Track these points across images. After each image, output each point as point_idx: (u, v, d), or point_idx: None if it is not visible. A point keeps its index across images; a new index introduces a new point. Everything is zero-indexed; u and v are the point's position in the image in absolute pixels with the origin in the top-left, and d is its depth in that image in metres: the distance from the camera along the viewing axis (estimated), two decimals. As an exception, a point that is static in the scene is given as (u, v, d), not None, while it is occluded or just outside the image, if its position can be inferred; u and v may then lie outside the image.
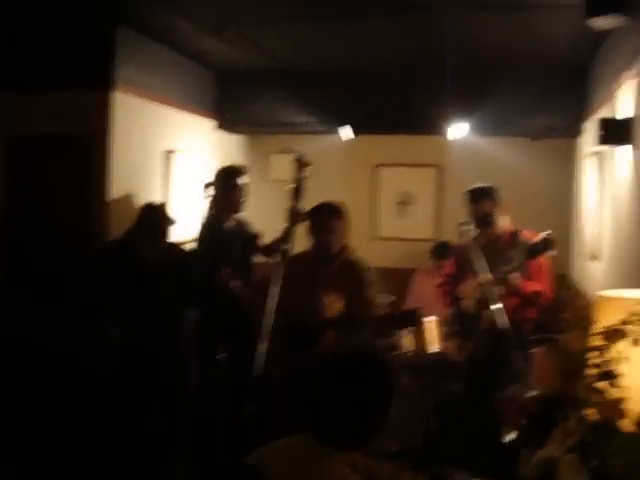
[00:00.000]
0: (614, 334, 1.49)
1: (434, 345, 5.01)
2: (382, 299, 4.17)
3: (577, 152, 5.85)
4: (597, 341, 1.53)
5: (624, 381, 1.49)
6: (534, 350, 3.28)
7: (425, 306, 5.65)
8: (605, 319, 1.69)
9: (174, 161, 5.28)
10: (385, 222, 6.66)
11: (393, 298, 5.49)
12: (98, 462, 3.90)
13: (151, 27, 4.64)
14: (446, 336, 4.54)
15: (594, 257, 4.58)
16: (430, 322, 5.11)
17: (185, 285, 4.36)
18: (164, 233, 4.25)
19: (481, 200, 4.15)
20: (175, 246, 4.55)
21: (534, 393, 2.34)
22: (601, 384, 1.46)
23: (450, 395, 4.61)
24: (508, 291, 3.86)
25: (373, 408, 1.93)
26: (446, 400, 4.66)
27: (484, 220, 4.10)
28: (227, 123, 6.08)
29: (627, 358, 1.50)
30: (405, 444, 4.23)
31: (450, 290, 4.42)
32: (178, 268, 4.33)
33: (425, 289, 5.60)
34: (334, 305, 3.69)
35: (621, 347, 1.52)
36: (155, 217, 4.22)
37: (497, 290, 3.71)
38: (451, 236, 4.95)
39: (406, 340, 5.08)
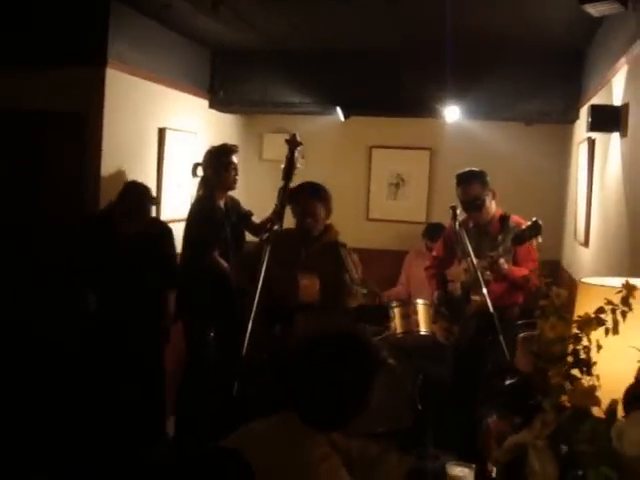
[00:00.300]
0: (589, 322, 1.52)
1: (424, 327, 5.04)
2: (363, 287, 4.17)
3: (572, 138, 5.85)
4: (573, 329, 1.55)
5: (597, 369, 1.52)
6: (520, 335, 3.31)
7: (417, 287, 5.71)
8: (585, 306, 1.72)
9: (167, 139, 5.27)
10: (378, 204, 6.68)
11: (377, 289, 5.52)
12: (75, 444, 3.95)
13: (145, 4, 4.61)
14: (434, 319, 4.56)
15: (583, 244, 4.62)
16: (421, 304, 5.14)
17: (167, 261, 4.41)
18: (145, 211, 4.28)
19: (470, 184, 4.16)
20: (158, 222, 4.58)
21: (513, 380, 2.37)
22: (575, 372, 1.49)
23: (438, 378, 4.65)
24: (496, 276, 3.89)
25: (354, 388, 1.94)
26: (434, 383, 4.71)
27: (473, 204, 4.12)
28: (221, 102, 6.06)
29: (601, 346, 1.53)
30: (393, 426, 4.27)
31: (438, 273, 4.44)
32: (160, 244, 4.38)
33: (417, 271, 5.62)
34: (310, 288, 3.71)
35: (596, 335, 1.55)
36: (137, 195, 4.24)
37: (485, 274, 3.73)
38: (444, 219, 4.98)
39: (396, 321, 5.12)
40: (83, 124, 4.51)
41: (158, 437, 4.44)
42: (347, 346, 1.99)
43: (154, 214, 4.70)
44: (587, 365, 1.49)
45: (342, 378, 1.94)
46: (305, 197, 3.82)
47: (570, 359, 1.48)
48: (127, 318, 4.18)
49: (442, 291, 4.33)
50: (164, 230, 4.54)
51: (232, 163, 4.65)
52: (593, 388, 1.46)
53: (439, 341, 4.52)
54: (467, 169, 4.25)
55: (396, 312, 5.15)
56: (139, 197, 4.24)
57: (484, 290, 3.63)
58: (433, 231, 5.61)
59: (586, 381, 1.49)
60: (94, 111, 4.50)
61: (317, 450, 1.91)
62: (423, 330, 5.01)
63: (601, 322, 1.56)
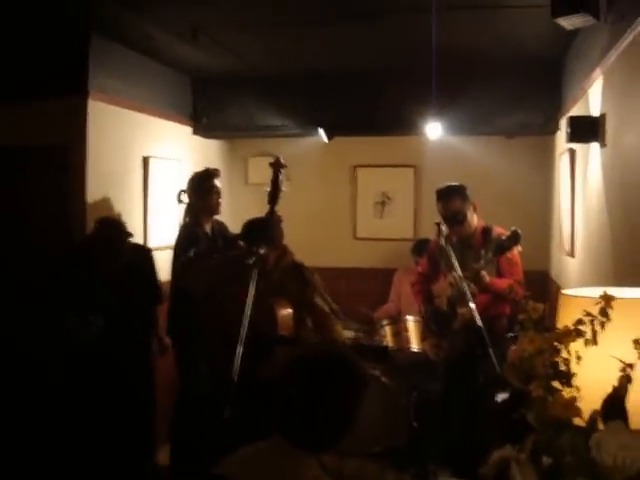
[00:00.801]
0: (568, 334, 1.53)
1: (415, 344, 5.06)
2: (341, 319, 4.17)
3: (554, 149, 5.90)
4: (552, 341, 1.57)
5: (577, 380, 1.54)
6: (510, 347, 3.32)
7: (407, 304, 5.72)
8: (566, 318, 1.73)
9: (151, 167, 5.30)
10: (364, 222, 6.70)
11: (366, 310, 5.51)
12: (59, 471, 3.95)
13: (124, 34, 4.65)
14: (423, 335, 4.58)
15: (569, 254, 4.65)
16: (411, 321, 5.15)
17: (147, 278, 4.47)
18: (122, 248, 4.29)
19: (449, 199, 4.20)
20: (136, 248, 4.58)
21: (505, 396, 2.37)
22: (555, 383, 1.51)
23: (432, 394, 4.65)
24: (480, 288, 3.91)
25: (340, 407, 1.95)
26: (428, 399, 4.71)
27: (454, 218, 4.15)
28: (204, 128, 6.10)
29: (580, 358, 1.55)
30: (388, 444, 4.27)
31: (424, 289, 4.47)
32: (141, 268, 4.43)
33: (406, 287, 5.63)
34: (287, 319, 3.67)
35: (575, 347, 1.57)
36: (111, 232, 4.26)
37: (469, 288, 3.75)
38: (431, 234, 4.95)
39: (387, 339, 5.12)
40: (66, 156, 4.52)
41: (148, 465, 4.42)
42: (331, 364, 1.99)
43: (140, 237, 4.74)
44: (567, 377, 1.50)
45: (327, 396, 1.94)
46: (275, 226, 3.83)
47: (550, 371, 1.50)
48: (114, 349, 4.20)
49: (429, 307, 4.34)
50: (143, 253, 4.60)
51: (214, 187, 4.67)
52: (573, 399, 1.47)
53: (429, 357, 4.51)
54: (446, 184, 4.29)
55: (387, 330, 5.18)
56: (113, 235, 4.26)
57: (471, 304, 3.64)
58: (421, 247, 5.62)
59: (566, 393, 1.50)
60: (77, 142, 4.51)
61: (307, 473, 1.91)
62: (415, 347, 5.04)
63: (580, 333, 1.57)
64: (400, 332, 5.12)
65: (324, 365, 2.00)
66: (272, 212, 3.75)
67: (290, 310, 3.71)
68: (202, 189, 4.64)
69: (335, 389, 1.96)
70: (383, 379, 4.50)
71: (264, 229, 3.65)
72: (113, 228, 4.29)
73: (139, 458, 4.34)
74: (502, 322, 4.07)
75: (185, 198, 4.78)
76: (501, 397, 2.94)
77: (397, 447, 4.31)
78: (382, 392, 4.44)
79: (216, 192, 4.68)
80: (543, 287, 5.84)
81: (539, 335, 1.51)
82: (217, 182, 4.70)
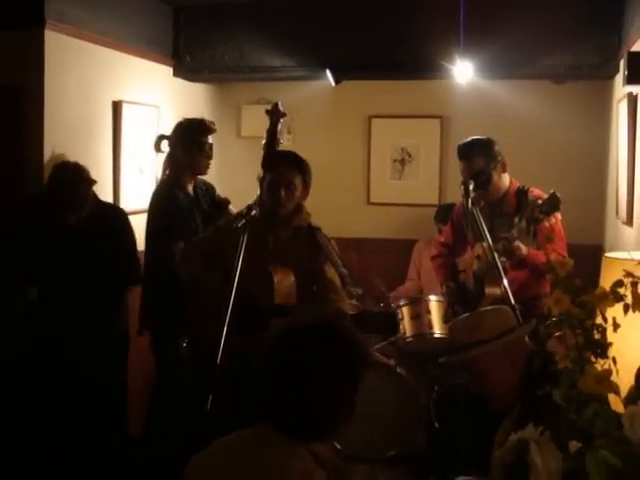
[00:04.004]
0: (604, 297, 1.54)
1: (439, 329, 5.05)
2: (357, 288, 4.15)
3: (611, 97, 5.86)
4: (587, 305, 1.58)
5: (613, 351, 1.55)
6: (553, 335, 3.32)
7: (429, 282, 5.73)
8: (608, 283, 1.74)
9: (123, 114, 5.29)
10: (380, 185, 6.69)
11: (383, 288, 5.52)
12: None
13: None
14: (444, 318, 4.58)
15: (626, 222, 4.63)
16: (434, 301, 5.15)
17: (122, 252, 4.49)
18: (81, 197, 4.30)
19: (471, 157, 4.22)
20: (108, 206, 4.62)
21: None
22: (587, 354, 1.52)
23: (455, 389, 4.67)
24: (513, 261, 3.91)
25: (331, 385, 1.98)
26: (452, 395, 4.73)
27: (477, 179, 4.13)
28: (188, 69, 6.05)
29: (618, 325, 1.56)
30: (405, 448, 4.29)
31: (446, 262, 4.51)
32: (112, 232, 4.45)
33: (428, 262, 5.61)
34: (285, 286, 3.68)
35: (613, 312, 1.58)
36: (67, 179, 4.27)
37: (501, 261, 3.72)
38: (458, 199, 5.00)
39: (405, 323, 5.13)
40: (20, 99, 4.51)
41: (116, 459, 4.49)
42: (325, 337, 2.01)
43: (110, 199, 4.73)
44: (601, 347, 1.52)
45: (318, 375, 1.96)
46: (281, 165, 3.82)
47: (582, 340, 1.51)
48: (71, 325, 4.23)
49: (453, 283, 4.33)
50: (116, 214, 4.62)
51: (208, 144, 4.66)
52: (608, 372, 1.49)
53: None
54: (469, 139, 4.31)
55: (405, 312, 5.13)
56: (70, 181, 4.26)
57: (504, 281, 3.63)
58: (447, 214, 5.58)
59: (600, 365, 1.51)
60: (33, 83, 4.51)
61: (299, 464, 1.94)
62: (438, 332, 5.02)
63: (619, 297, 1.58)
64: (420, 314, 5.05)
65: (316, 339, 2.02)
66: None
67: (292, 278, 3.73)
68: (192, 143, 4.63)
69: (328, 367, 1.98)
70: (399, 370, 4.50)
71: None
72: (71, 173, 4.29)
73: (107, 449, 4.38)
74: (542, 304, 4.06)
75: (166, 147, 4.77)
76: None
77: (415, 451, 4.33)
78: (398, 386, 4.43)
79: (209, 151, 4.68)
80: (596, 264, 5.82)
81: (567, 295, 1.52)
82: (211, 139, 4.70)
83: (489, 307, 3.30)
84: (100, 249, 4.37)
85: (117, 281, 4.48)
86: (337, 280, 3.76)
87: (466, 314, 3.23)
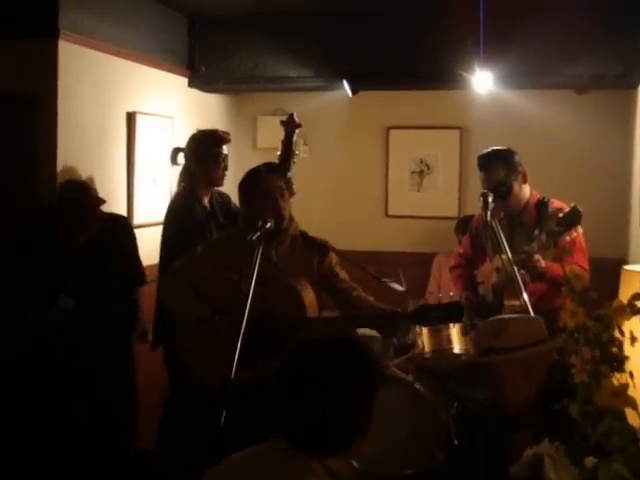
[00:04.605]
0: (621, 310, 1.55)
1: (459, 344, 5.05)
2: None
3: (635, 107, 5.82)
4: (604, 318, 1.59)
5: (630, 365, 1.56)
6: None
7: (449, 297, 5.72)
8: (627, 295, 1.74)
9: (137, 125, 5.33)
10: (399, 197, 6.71)
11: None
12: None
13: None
14: (463, 330, 4.58)
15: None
16: (454, 316, 5.15)
17: (127, 257, 4.57)
18: (91, 218, 4.34)
19: (491, 168, 4.22)
20: (109, 218, 4.61)
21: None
22: (604, 369, 1.53)
23: (475, 405, 4.65)
24: (533, 275, 3.90)
25: (346, 401, 1.99)
26: (472, 411, 4.70)
27: (498, 190, 4.15)
28: (203, 79, 6.10)
29: (635, 339, 1.57)
30: (423, 466, 4.28)
31: (465, 273, 4.51)
32: (118, 243, 4.52)
33: (448, 276, 5.63)
34: (313, 303, 3.64)
35: (630, 325, 1.59)
36: (74, 199, 4.29)
37: (520, 274, 3.72)
38: (478, 211, 5.00)
39: (424, 338, 5.12)
40: (33, 108, 4.55)
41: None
42: (338, 351, 2.04)
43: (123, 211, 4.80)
44: (618, 360, 1.52)
45: (332, 388, 1.97)
46: (263, 176, 3.79)
47: (598, 353, 1.52)
48: (85, 338, 4.30)
49: (471, 295, 4.35)
50: (119, 224, 4.68)
51: (222, 154, 4.70)
52: (625, 387, 1.50)
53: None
54: (488, 150, 4.32)
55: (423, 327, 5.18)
56: (80, 201, 4.29)
57: (524, 295, 3.62)
58: (467, 226, 5.62)
59: (617, 379, 1.52)
60: (46, 92, 4.55)
61: (310, 479, 1.95)
62: (457, 348, 5.03)
63: (636, 310, 1.59)
64: (439, 329, 5.10)
65: (334, 354, 2.05)
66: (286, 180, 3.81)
67: (311, 290, 3.73)
68: (206, 154, 4.67)
69: (346, 383, 2.00)
70: (417, 386, 4.50)
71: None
72: (80, 193, 4.33)
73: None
74: (561, 316, 4.05)
75: (181, 159, 4.81)
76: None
77: (434, 470, 4.32)
78: (416, 402, 4.42)
79: (223, 161, 4.71)
80: (619, 278, 5.79)
81: (582, 308, 1.53)
82: (226, 149, 4.73)
83: (520, 315, 3.29)
84: (109, 263, 4.44)
85: (125, 281, 4.58)
86: (348, 278, 3.80)
87: (496, 317, 3.23)
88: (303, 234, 3.86)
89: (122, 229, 4.68)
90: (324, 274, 3.81)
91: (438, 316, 3.83)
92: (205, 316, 3.65)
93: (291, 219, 3.83)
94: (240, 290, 3.38)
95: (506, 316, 3.28)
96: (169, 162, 5.21)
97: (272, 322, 3.47)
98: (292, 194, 3.93)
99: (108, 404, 4.39)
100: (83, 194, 4.33)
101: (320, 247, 3.79)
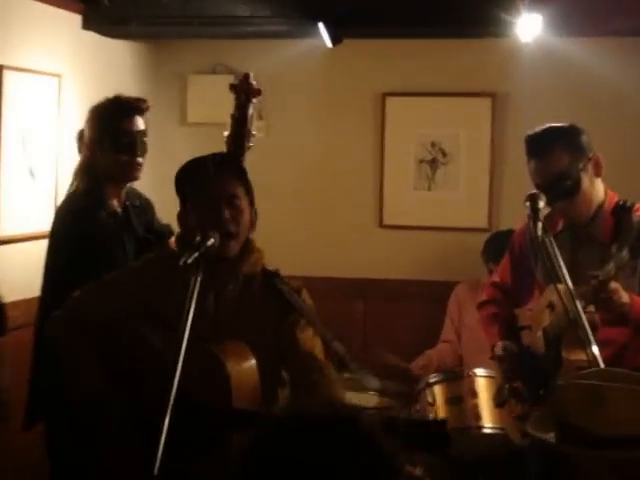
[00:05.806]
0: None
1: (490, 420, 5.04)
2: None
3: None
4: None
5: None
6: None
7: (474, 346, 5.74)
8: None
9: (5, 86, 5.32)
10: (400, 197, 6.73)
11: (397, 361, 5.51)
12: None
13: None
14: (497, 400, 4.55)
15: None
16: (482, 376, 5.12)
17: None
18: None
19: (550, 152, 4.15)
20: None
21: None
22: None
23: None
24: (609, 313, 3.86)
25: None
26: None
27: (557, 187, 4.11)
28: (105, 18, 6.07)
29: None
30: None
31: (502, 313, 4.49)
32: None
33: (473, 315, 5.60)
34: (246, 382, 3.56)
35: None
36: None
37: (588, 312, 3.70)
38: (519, 221, 4.97)
39: (438, 408, 5.10)
40: None
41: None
42: (346, 435, 2.01)
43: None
44: None
45: None
46: (213, 175, 3.65)
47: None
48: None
49: (512, 346, 4.32)
50: None
51: (134, 132, 4.66)
52: None
53: (513, 443, 4.49)
54: (543, 127, 4.24)
55: (437, 393, 5.19)
56: None
57: (593, 346, 3.57)
58: (501, 248, 5.57)
59: None
60: None
61: None
62: (488, 425, 5.02)
63: None
64: (462, 397, 5.13)
65: (331, 442, 2.01)
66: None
67: (253, 362, 3.64)
68: (110, 134, 4.63)
69: (350, 474, 1.97)
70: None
71: None
72: None
73: None
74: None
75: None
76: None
77: None
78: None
79: (131, 141, 4.65)
80: None
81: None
82: (141, 123, 4.70)
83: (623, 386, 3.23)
84: None
85: None
86: (319, 351, 3.69)
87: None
88: (267, 273, 3.77)
89: None
90: (279, 337, 3.73)
91: (408, 436, 3.79)
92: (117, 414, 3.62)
93: (250, 245, 3.74)
94: (158, 355, 3.40)
95: (597, 383, 3.19)
96: (57, 145, 5.10)
97: (190, 406, 3.38)
98: (255, 212, 3.82)
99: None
100: None
101: (288, 305, 3.69)
